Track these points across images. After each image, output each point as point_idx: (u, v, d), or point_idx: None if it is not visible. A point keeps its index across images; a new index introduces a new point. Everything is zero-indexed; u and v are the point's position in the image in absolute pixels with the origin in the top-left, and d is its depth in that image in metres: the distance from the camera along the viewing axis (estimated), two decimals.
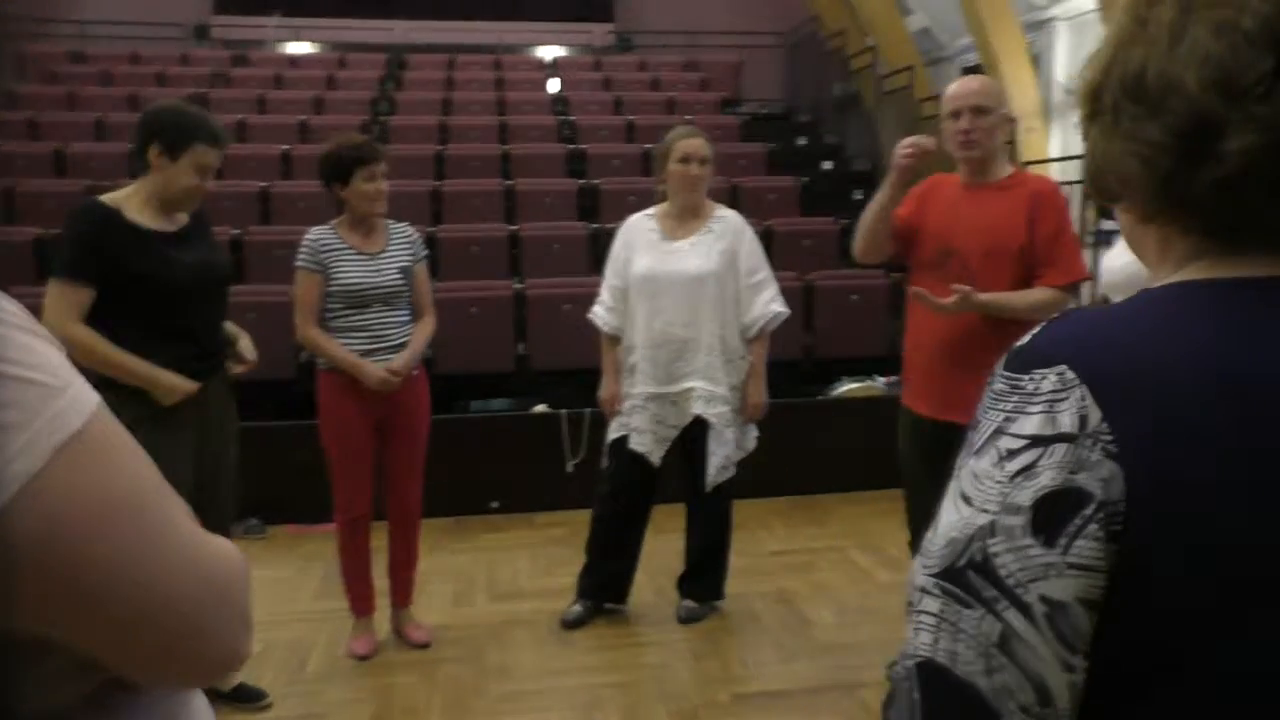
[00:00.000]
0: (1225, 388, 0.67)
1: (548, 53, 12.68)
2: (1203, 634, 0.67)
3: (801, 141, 9.84)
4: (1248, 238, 0.71)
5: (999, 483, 0.69)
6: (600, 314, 3.54)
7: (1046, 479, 0.68)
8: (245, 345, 2.96)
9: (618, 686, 3.12)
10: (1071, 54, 10.22)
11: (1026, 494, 0.68)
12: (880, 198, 2.91)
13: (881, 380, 5.40)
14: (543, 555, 4.30)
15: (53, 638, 0.66)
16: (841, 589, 3.92)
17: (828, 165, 9.23)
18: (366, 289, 3.21)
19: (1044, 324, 0.74)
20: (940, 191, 2.95)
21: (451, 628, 3.55)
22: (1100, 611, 0.68)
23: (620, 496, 3.53)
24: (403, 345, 3.28)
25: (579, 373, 5.40)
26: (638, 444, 3.41)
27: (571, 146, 8.17)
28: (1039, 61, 10.17)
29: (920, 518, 3.06)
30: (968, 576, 0.69)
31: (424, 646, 3.38)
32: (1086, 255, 3.57)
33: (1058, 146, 10.04)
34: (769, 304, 3.44)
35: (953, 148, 2.88)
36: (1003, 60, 9.43)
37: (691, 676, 3.19)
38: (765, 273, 3.46)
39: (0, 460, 0.58)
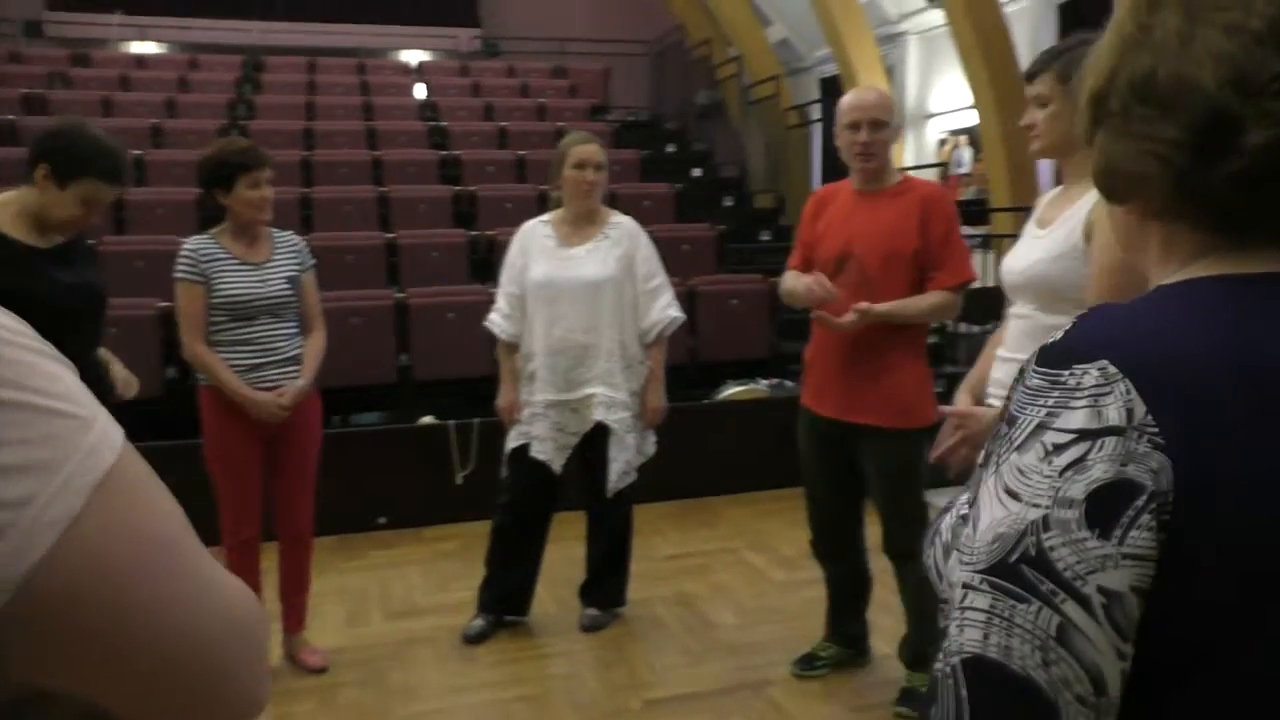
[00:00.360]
0: (1243, 382, 0.69)
1: (411, 57, 12.44)
2: (1228, 629, 0.69)
3: (670, 149, 9.96)
4: (1256, 233, 0.75)
5: (1048, 477, 0.70)
6: (497, 321, 3.49)
7: (1099, 471, 0.69)
8: (118, 372, 2.77)
9: (527, 700, 3.08)
10: (922, 67, 10.69)
11: (1079, 487, 0.69)
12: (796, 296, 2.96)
13: (764, 383, 5.51)
14: (436, 570, 4.20)
15: (63, 690, 0.61)
16: (739, 590, 3.97)
17: (697, 172, 9.36)
18: (252, 300, 3.07)
19: (1075, 321, 0.76)
20: (834, 200, 3.03)
21: (348, 650, 3.42)
22: (1147, 599, 0.70)
23: (520, 506, 3.48)
24: (292, 359, 3.15)
25: (464, 382, 5.33)
26: (539, 452, 3.38)
27: (444, 153, 8.03)
28: (892, 74, 10.59)
29: (820, 516, 3.14)
30: (1021, 571, 0.70)
31: (321, 671, 3.25)
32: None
33: (911, 156, 10.50)
34: (666, 309, 3.46)
35: (849, 158, 2.96)
36: (859, 72, 9.77)
37: (601, 685, 3.17)
38: (661, 278, 3.48)
39: (37, 505, 0.52)
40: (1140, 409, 0.69)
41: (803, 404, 3.10)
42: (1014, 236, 7.42)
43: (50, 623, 0.54)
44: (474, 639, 3.48)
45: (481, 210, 7.07)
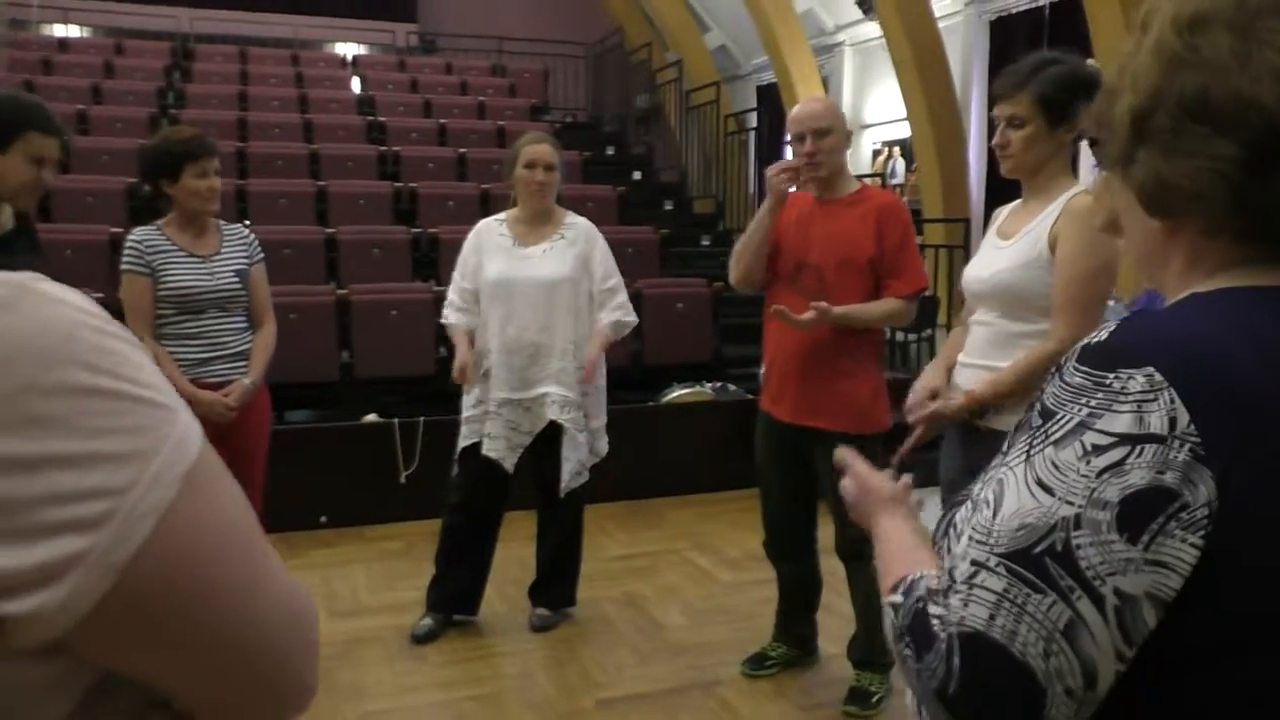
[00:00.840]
0: None
1: (346, 50, 12.25)
2: (1254, 635, 0.73)
3: (610, 151, 9.98)
4: None
5: (1084, 476, 0.73)
6: (451, 315, 3.45)
7: (1135, 478, 0.71)
8: None
9: (480, 699, 3.06)
10: (857, 78, 10.89)
11: (1114, 490, 0.72)
12: (758, 222, 2.98)
13: (709, 385, 5.56)
14: (380, 569, 4.15)
15: (136, 676, 0.60)
16: (687, 590, 4.00)
17: (637, 175, 9.40)
18: (200, 293, 3.01)
19: (1120, 322, 0.79)
20: (794, 208, 3.07)
21: None
22: (1166, 608, 0.73)
23: (471, 505, 3.46)
24: (240, 354, 3.10)
25: (408, 381, 5.27)
26: (491, 450, 3.36)
27: (383, 148, 7.93)
28: (829, 83, 10.76)
29: (774, 518, 3.18)
30: (1044, 563, 0.73)
31: None
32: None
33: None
34: (615, 310, 3.45)
35: (801, 170, 3.00)
36: (796, 81, 9.92)
37: (553, 685, 3.17)
38: (617, 280, 3.49)
39: (136, 493, 0.53)
40: (1184, 418, 0.71)
41: (761, 408, 3.14)
42: (946, 247, 7.61)
43: (140, 609, 0.54)
44: (423, 638, 3.45)
45: (422, 207, 7.00)
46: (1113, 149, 0.85)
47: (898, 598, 0.86)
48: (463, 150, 8.01)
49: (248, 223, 3.28)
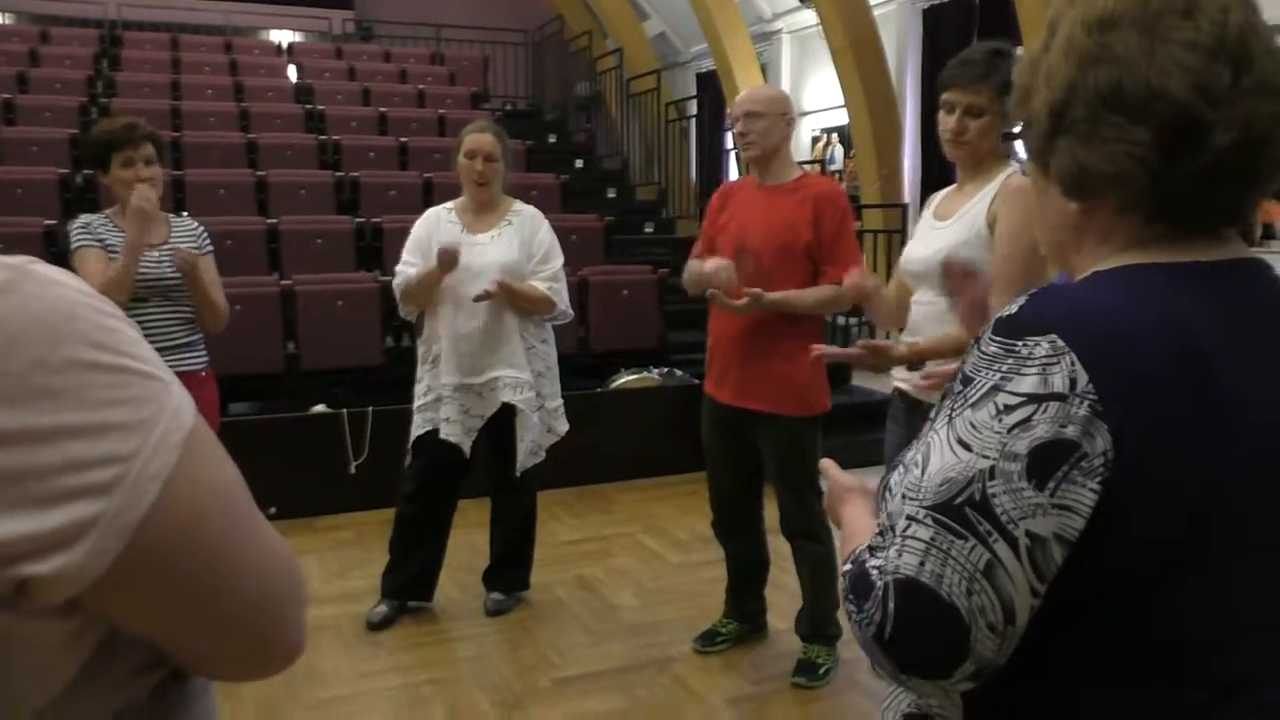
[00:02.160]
0: (1172, 356, 0.82)
1: (281, 37, 12.05)
2: (1155, 564, 0.83)
3: (552, 139, 9.98)
4: (1201, 224, 0.88)
5: (997, 433, 0.82)
6: (400, 282, 3.43)
7: (1041, 431, 0.81)
8: None
9: (437, 683, 3.11)
10: (795, 65, 11.03)
11: (1023, 443, 0.81)
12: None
13: (656, 371, 5.63)
14: (333, 559, 4.16)
15: (142, 635, 0.65)
16: (638, 572, 4.08)
17: (579, 163, 9.42)
18: (144, 282, 2.99)
19: (1028, 297, 0.87)
20: (737, 195, 3.15)
21: None
22: (1073, 547, 0.82)
23: (426, 491, 3.49)
24: (185, 345, 3.09)
25: (354, 371, 5.26)
26: (449, 434, 3.39)
27: (322, 137, 7.85)
28: (767, 70, 10.88)
29: (721, 499, 3.27)
30: (964, 512, 0.82)
31: None
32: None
33: None
34: (550, 281, 3.44)
35: (738, 149, 3.10)
36: (736, 68, 10.01)
37: (509, 666, 3.23)
38: (556, 267, 3.48)
39: (142, 459, 0.57)
40: (1083, 378, 0.80)
41: (705, 391, 3.22)
42: (885, 232, 7.75)
43: (148, 568, 0.59)
44: (378, 625, 3.48)
45: (364, 197, 6.95)
46: (1032, 140, 0.93)
47: (848, 566, 0.94)
48: (404, 139, 7.96)
49: (185, 213, 3.24)
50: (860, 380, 6.81)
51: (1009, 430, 0.82)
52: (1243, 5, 0.84)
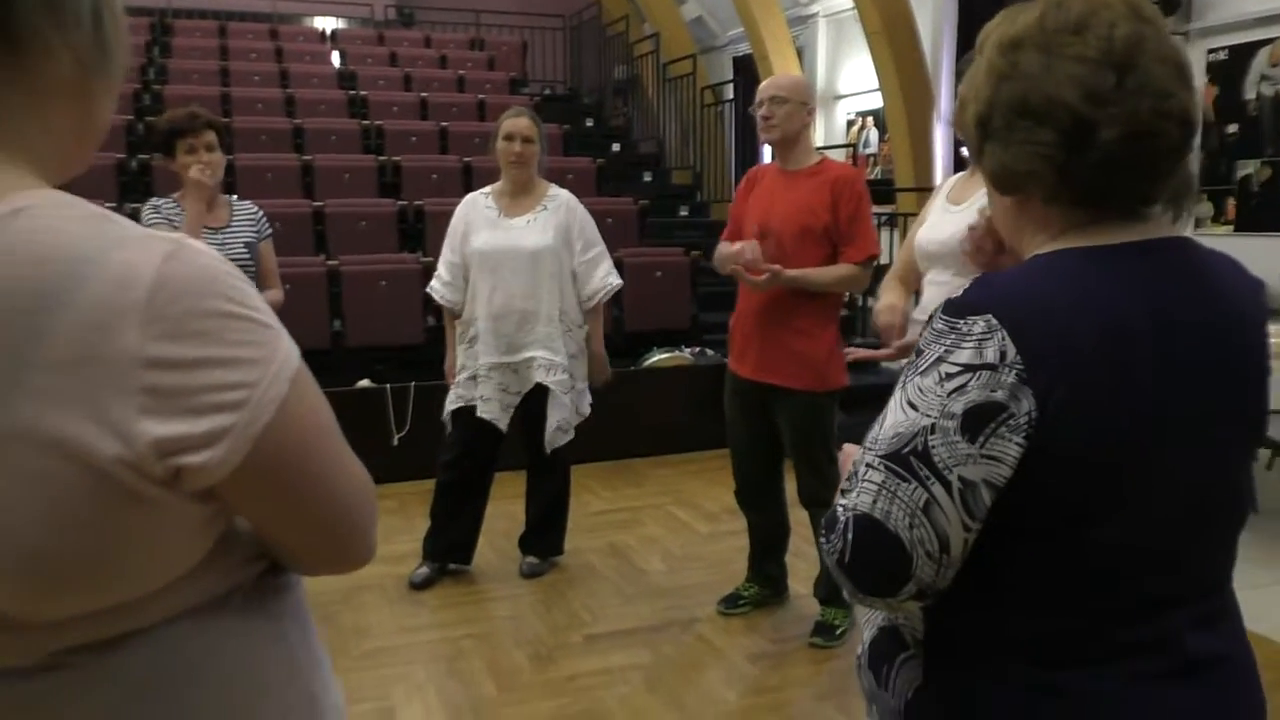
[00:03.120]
0: (1093, 330, 0.97)
1: (325, 23, 12.30)
2: (1072, 506, 0.99)
3: (589, 123, 10.14)
4: (1112, 208, 1.03)
5: (939, 396, 0.98)
6: (438, 289, 3.68)
7: (974, 395, 0.97)
8: None
9: (475, 638, 3.31)
10: (831, 48, 11.07)
11: (959, 404, 0.97)
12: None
13: (688, 350, 5.79)
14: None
15: (254, 522, 0.83)
16: (667, 540, 4.26)
17: (616, 147, 9.57)
18: None
19: (973, 281, 1.03)
20: (761, 180, 3.30)
21: None
22: (1005, 492, 0.98)
23: (465, 460, 3.69)
24: None
25: (397, 349, 5.48)
26: (485, 411, 3.59)
27: (365, 122, 8.07)
28: (803, 54, 10.94)
29: (744, 470, 3.43)
30: (910, 460, 0.99)
31: None
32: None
33: (821, 136, 10.87)
34: (606, 276, 3.70)
35: (760, 132, 3.25)
36: (772, 52, 10.09)
37: (543, 624, 3.43)
38: (600, 247, 3.72)
39: (262, 387, 0.75)
40: (1011, 351, 0.97)
41: (729, 368, 3.38)
42: (917, 215, 7.83)
43: (263, 470, 0.76)
44: (420, 585, 3.69)
45: (406, 180, 7.17)
46: (970, 147, 1.10)
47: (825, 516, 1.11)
48: (444, 124, 8.17)
49: (249, 201, 3.46)
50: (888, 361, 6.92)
51: (948, 394, 0.98)
52: (1132, 19, 0.99)
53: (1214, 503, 1.05)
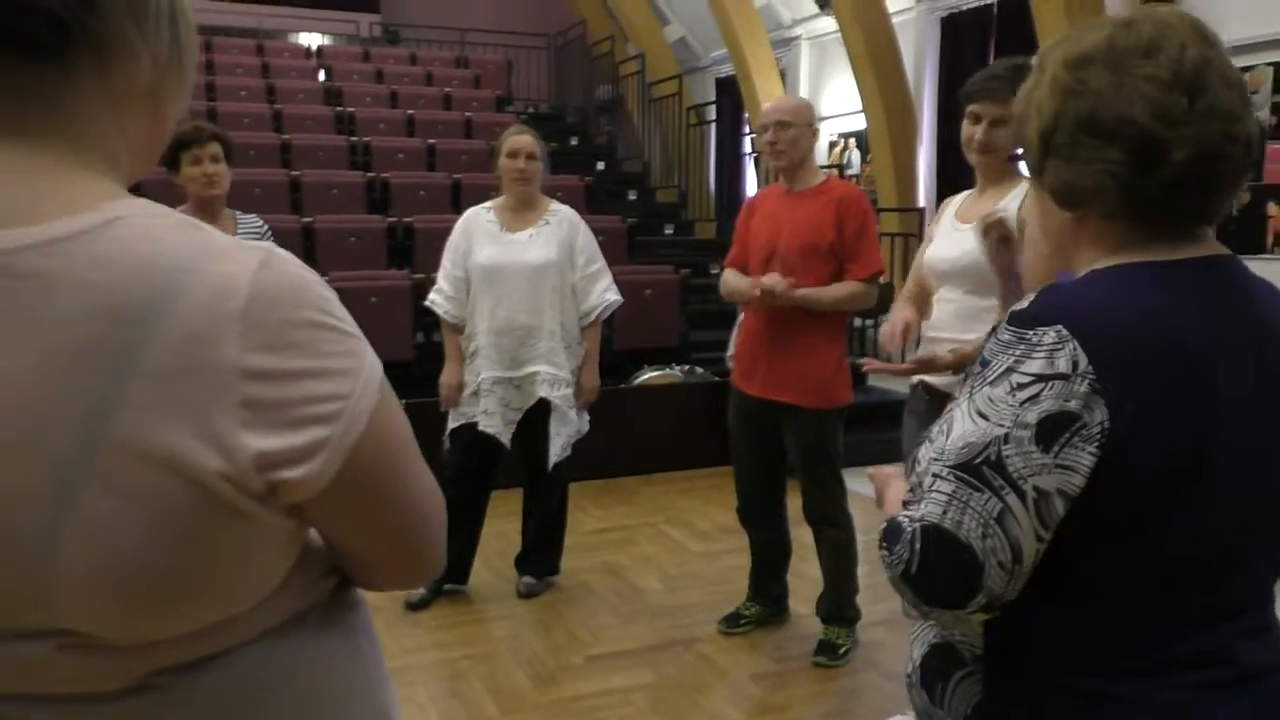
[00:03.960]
0: (1158, 342, 0.98)
1: (311, 40, 12.28)
2: (1144, 512, 0.99)
3: (574, 142, 10.17)
4: (1173, 226, 1.04)
5: (1011, 406, 0.99)
6: (440, 302, 3.66)
7: (1048, 405, 0.97)
8: None
9: (475, 658, 3.28)
10: (814, 70, 11.17)
11: (1033, 415, 0.98)
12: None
13: (679, 368, 5.79)
14: None
15: (334, 538, 0.82)
16: (662, 559, 4.24)
17: (601, 166, 9.60)
18: None
19: (1038, 293, 1.03)
20: (766, 200, 3.32)
21: None
22: (1074, 501, 0.98)
23: (463, 480, 3.66)
24: None
25: (390, 365, 5.43)
26: (488, 426, 3.56)
27: (353, 139, 8.05)
28: (786, 76, 11.03)
29: (747, 487, 3.43)
30: (982, 470, 0.99)
31: None
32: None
33: None
34: (605, 293, 3.70)
35: (766, 157, 3.26)
36: (755, 73, 10.18)
37: (543, 644, 3.40)
38: (601, 263, 3.72)
39: (355, 397, 0.74)
40: (1084, 361, 0.97)
41: (733, 384, 3.38)
42: (901, 235, 7.89)
43: (353, 484, 0.74)
44: (417, 606, 3.65)
45: (395, 197, 7.15)
46: (1030, 162, 1.11)
47: (884, 524, 1.10)
48: (431, 141, 8.16)
49: (254, 215, 3.44)
50: (876, 381, 6.96)
51: (1021, 404, 0.98)
52: (1200, 42, 1.00)
53: (1265, 517, 1.06)
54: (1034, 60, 1.11)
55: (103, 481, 0.64)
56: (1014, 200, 2.48)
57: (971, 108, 2.52)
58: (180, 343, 0.66)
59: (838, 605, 3.31)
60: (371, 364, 0.76)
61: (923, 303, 2.73)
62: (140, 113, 0.77)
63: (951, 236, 2.59)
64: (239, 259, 0.70)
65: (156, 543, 0.66)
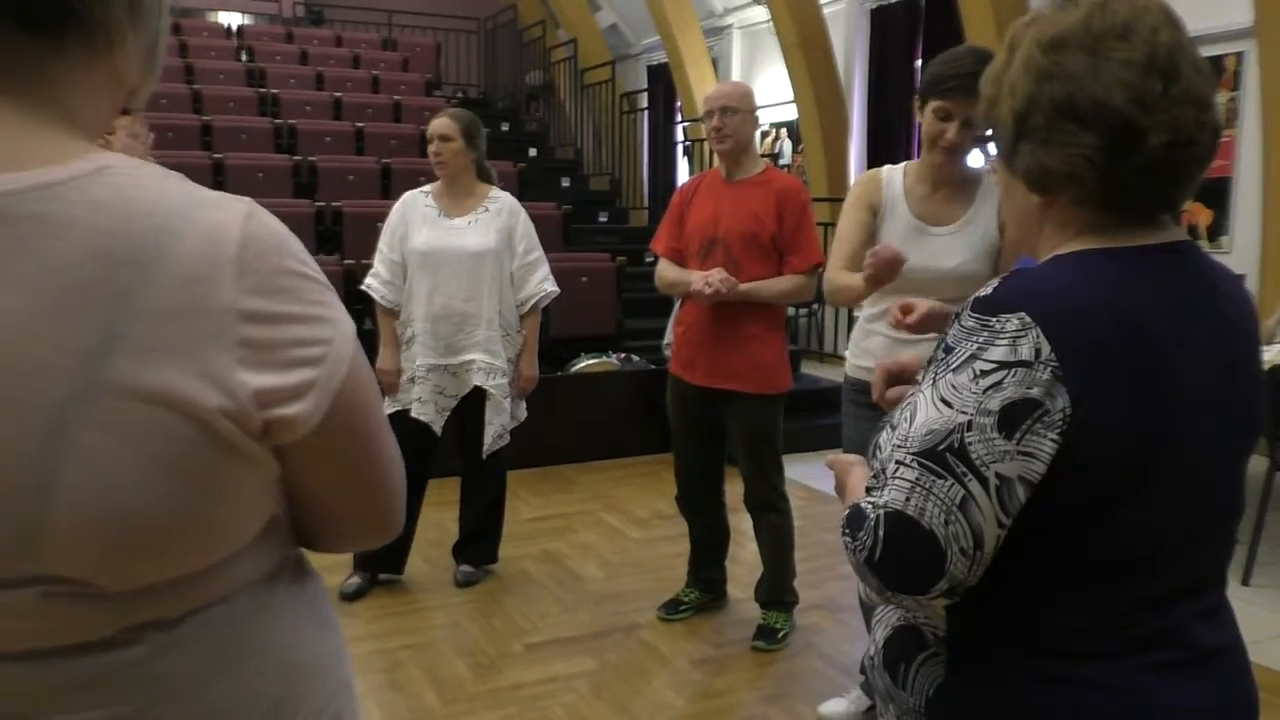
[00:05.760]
0: (1120, 329, 0.99)
1: (230, 19, 11.93)
2: (1106, 495, 1.01)
3: (505, 128, 10.06)
4: (1143, 212, 1.05)
5: (974, 393, 0.99)
6: (376, 287, 3.59)
7: (1010, 392, 0.98)
8: None
9: (413, 648, 3.23)
10: (746, 59, 11.23)
11: (995, 402, 0.98)
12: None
13: (615, 356, 5.78)
14: None
15: (307, 485, 0.82)
16: (601, 547, 4.23)
17: (533, 152, 9.52)
18: None
19: (1000, 280, 1.04)
20: (704, 189, 3.31)
21: None
22: (1035, 488, 0.99)
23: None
24: None
25: None
26: (420, 413, 3.51)
27: (277, 121, 7.85)
28: (718, 65, 11.07)
29: (687, 475, 3.43)
30: (945, 457, 0.99)
31: None
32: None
33: None
34: (542, 282, 3.67)
35: (712, 143, 3.25)
36: (687, 62, 10.19)
37: (482, 633, 3.36)
38: (539, 253, 3.69)
39: (335, 344, 0.76)
40: (1046, 349, 0.98)
41: (672, 373, 3.37)
42: (832, 224, 7.92)
43: (332, 430, 0.77)
44: (352, 596, 3.59)
45: (322, 181, 6.99)
46: (1001, 144, 1.11)
47: (846, 510, 1.10)
48: (359, 124, 8.00)
49: None
50: (808, 369, 7.05)
51: (984, 391, 0.98)
52: (1170, 26, 1.01)
53: (1220, 499, 1.09)
54: (1006, 39, 1.11)
55: (102, 422, 0.65)
56: (989, 203, 2.46)
57: (941, 103, 2.39)
58: (179, 285, 0.68)
59: (776, 590, 3.34)
60: (346, 317, 0.79)
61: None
62: (113, 92, 0.80)
63: (926, 243, 2.49)
64: (227, 208, 0.73)
65: (155, 481, 0.67)
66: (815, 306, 7.75)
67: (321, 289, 0.76)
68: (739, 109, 3.17)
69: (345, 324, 0.77)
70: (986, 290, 1.04)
